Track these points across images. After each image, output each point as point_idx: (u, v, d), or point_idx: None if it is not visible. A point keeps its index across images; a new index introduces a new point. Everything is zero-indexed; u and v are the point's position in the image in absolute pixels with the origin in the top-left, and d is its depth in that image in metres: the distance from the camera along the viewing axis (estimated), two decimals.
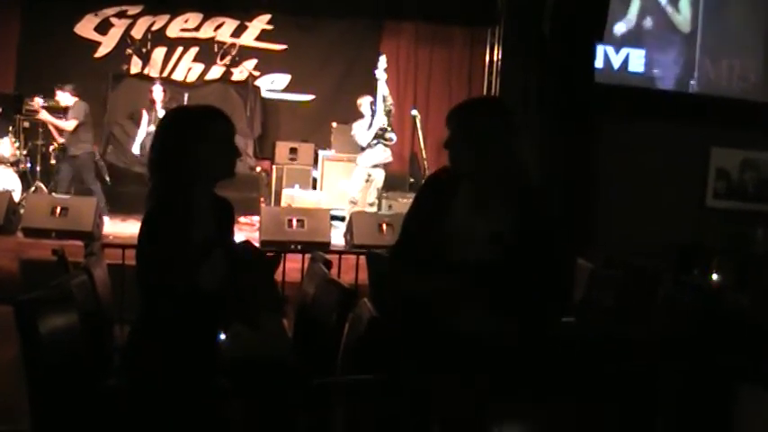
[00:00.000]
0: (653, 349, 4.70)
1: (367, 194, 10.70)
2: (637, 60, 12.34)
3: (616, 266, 6.39)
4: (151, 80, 11.98)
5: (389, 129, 10.63)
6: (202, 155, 3.03)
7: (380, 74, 10.66)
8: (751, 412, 3.47)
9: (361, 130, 10.59)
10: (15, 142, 10.50)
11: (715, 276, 6.79)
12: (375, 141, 10.54)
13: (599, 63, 11.75)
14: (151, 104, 10.45)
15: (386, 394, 3.09)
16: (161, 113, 9.99)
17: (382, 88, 10.66)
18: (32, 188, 10.44)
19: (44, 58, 11.70)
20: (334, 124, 12.24)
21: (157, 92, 10.69)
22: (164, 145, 3.10)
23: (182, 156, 3.04)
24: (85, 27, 12.16)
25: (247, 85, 12.50)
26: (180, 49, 12.56)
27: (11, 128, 10.59)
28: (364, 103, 10.78)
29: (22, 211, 9.34)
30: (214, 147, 3.07)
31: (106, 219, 9.91)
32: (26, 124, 10.84)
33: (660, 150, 11.58)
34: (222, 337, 4.11)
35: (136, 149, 10.81)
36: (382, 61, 10.76)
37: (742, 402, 3.50)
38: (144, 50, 12.24)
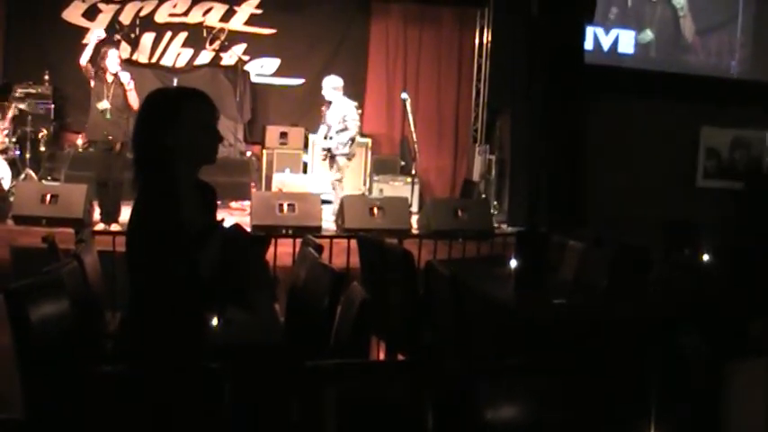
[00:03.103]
0: (644, 328, 4.71)
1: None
2: (627, 41, 12.35)
3: (607, 246, 6.40)
4: (141, 66, 11.93)
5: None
6: (181, 139, 2.97)
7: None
8: (742, 385, 3.49)
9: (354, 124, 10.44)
10: (4, 130, 10.45)
11: (705, 255, 6.81)
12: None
13: (589, 44, 11.76)
14: (103, 72, 9.23)
15: (379, 377, 3.10)
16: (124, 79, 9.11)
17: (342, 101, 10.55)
18: (22, 176, 10.40)
19: (32, 44, 11.64)
20: (324, 108, 12.21)
21: (112, 57, 9.30)
22: (143, 129, 3.05)
23: (160, 140, 2.98)
24: (73, 13, 12.09)
25: (237, 70, 12.45)
26: (169, 34, 12.51)
27: None
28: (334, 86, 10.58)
29: (11, 198, 9.30)
30: (193, 131, 3.00)
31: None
32: (15, 111, 10.78)
33: (650, 130, 11.62)
34: (214, 322, 4.13)
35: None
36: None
37: (733, 376, 3.52)
38: (132, 36, 12.17)
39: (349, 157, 10.53)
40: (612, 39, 12.28)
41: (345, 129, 10.26)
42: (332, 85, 10.49)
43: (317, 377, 2.84)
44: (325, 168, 10.68)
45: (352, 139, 10.41)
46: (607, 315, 5.09)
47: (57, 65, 11.65)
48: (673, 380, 3.51)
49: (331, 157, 10.42)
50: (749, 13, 12.56)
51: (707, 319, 4.79)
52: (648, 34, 12.37)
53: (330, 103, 10.58)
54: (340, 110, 10.39)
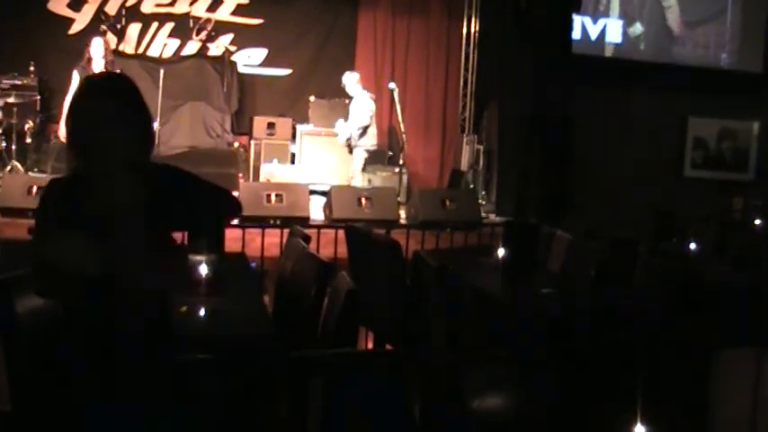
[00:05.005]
0: (633, 319, 4.72)
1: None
2: (614, 31, 12.35)
3: (595, 237, 6.42)
4: (127, 57, 11.88)
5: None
6: (78, 137, 2.91)
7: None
8: (729, 376, 3.50)
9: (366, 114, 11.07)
10: None
11: (693, 245, 6.83)
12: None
13: (576, 34, 11.76)
14: (87, 62, 9.38)
15: (366, 368, 3.10)
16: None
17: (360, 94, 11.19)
18: (8, 168, 10.35)
19: (17, 35, 11.56)
20: (312, 98, 12.20)
21: (98, 46, 9.48)
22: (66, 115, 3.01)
23: (72, 129, 2.93)
24: (58, 3, 12.00)
25: (224, 61, 12.39)
26: (155, 24, 12.44)
27: None
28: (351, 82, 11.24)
29: None
30: (84, 128, 2.89)
31: None
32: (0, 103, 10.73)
33: (638, 120, 11.64)
34: (202, 313, 4.12)
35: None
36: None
37: (720, 366, 3.53)
38: (119, 26, 12.09)
39: (367, 150, 11.16)
40: (600, 28, 12.28)
41: (356, 119, 10.99)
42: (353, 81, 11.21)
43: (303, 367, 2.84)
44: (349, 160, 11.32)
45: (364, 129, 11.01)
46: (595, 305, 5.10)
47: (42, 56, 11.58)
48: (662, 370, 3.52)
49: (351, 148, 11.11)
50: (737, 5, 12.59)
51: (694, 309, 4.80)
52: (638, 27, 12.38)
53: (353, 98, 11.23)
54: (357, 102, 11.08)
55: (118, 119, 2.88)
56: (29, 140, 10.88)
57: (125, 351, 2.89)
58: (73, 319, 2.92)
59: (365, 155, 11.16)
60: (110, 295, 2.85)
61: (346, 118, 11.28)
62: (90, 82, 3.08)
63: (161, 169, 3.06)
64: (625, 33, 12.30)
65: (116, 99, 2.93)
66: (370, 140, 11.10)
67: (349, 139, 11.08)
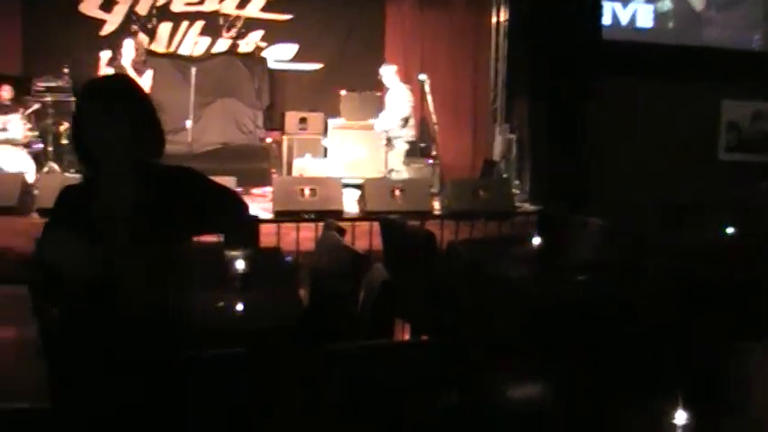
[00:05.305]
0: (662, 308, 4.72)
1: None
2: (645, 16, 12.27)
3: (623, 226, 6.40)
4: (158, 56, 12.00)
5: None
6: (86, 138, 2.92)
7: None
8: (753, 368, 3.48)
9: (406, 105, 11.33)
10: (26, 123, 10.54)
11: (714, 234, 6.78)
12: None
13: (606, 20, 11.70)
14: (119, 63, 9.88)
15: (394, 359, 3.12)
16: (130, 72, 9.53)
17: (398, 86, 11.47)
18: (45, 169, 10.48)
19: (50, 38, 11.68)
20: (343, 92, 12.21)
21: (128, 48, 10.06)
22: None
23: (76, 134, 2.97)
24: (90, 5, 12.12)
25: (254, 57, 12.48)
26: (185, 23, 12.53)
27: (21, 109, 10.63)
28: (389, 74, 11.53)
29: (36, 192, 9.35)
30: (88, 127, 2.91)
31: None
32: (35, 105, 10.86)
33: (671, 106, 11.56)
34: (239, 308, 4.18)
35: None
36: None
37: (745, 358, 3.52)
38: (149, 26, 12.21)
39: (407, 141, 11.36)
40: (630, 13, 12.21)
41: (397, 111, 11.20)
42: (390, 73, 11.53)
43: (334, 359, 2.87)
44: (383, 152, 11.36)
45: (405, 120, 11.27)
46: (628, 294, 5.09)
47: (75, 57, 11.70)
48: (688, 362, 3.51)
49: (388, 139, 11.24)
50: None
51: (723, 299, 4.78)
52: (667, 3, 12.30)
53: (388, 89, 11.52)
54: (394, 93, 11.36)
55: (116, 120, 2.88)
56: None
57: (129, 353, 2.91)
58: (76, 321, 2.96)
59: (406, 146, 11.25)
60: (115, 297, 2.88)
61: (378, 110, 11.32)
62: (86, 86, 3.07)
63: (171, 170, 3.06)
64: (655, 15, 12.23)
65: (112, 100, 2.92)
66: (410, 131, 11.21)
67: (387, 132, 11.09)
